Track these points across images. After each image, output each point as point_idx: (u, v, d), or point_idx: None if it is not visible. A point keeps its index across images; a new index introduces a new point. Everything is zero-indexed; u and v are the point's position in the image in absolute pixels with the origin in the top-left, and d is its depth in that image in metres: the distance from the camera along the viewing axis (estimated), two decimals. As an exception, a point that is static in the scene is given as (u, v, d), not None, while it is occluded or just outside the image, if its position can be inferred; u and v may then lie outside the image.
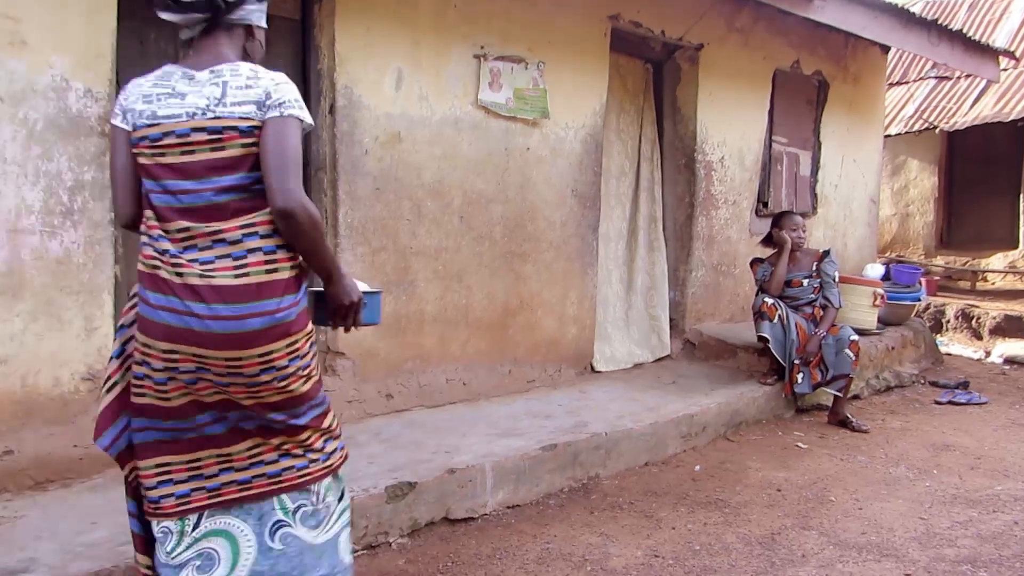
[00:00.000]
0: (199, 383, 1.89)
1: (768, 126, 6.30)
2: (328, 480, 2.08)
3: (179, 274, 1.84)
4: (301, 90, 3.76)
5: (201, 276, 1.83)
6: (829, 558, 2.95)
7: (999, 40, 9.78)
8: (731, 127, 5.93)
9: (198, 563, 1.96)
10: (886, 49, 7.40)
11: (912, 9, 6.63)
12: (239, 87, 1.89)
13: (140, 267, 1.92)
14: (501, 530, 3.16)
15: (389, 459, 3.21)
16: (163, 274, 1.86)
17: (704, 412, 4.31)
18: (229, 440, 1.96)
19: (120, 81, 3.20)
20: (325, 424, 2.06)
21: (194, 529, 1.96)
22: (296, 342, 1.93)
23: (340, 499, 2.12)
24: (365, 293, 2.12)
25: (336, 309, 2.07)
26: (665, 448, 4.06)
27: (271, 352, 1.87)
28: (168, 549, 1.96)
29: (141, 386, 1.92)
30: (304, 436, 2.02)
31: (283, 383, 1.92)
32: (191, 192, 1.88)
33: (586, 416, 4.07)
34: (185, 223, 1.87)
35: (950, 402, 5.37)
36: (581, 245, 4.95)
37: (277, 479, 1.99)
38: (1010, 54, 7.73)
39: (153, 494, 1.94)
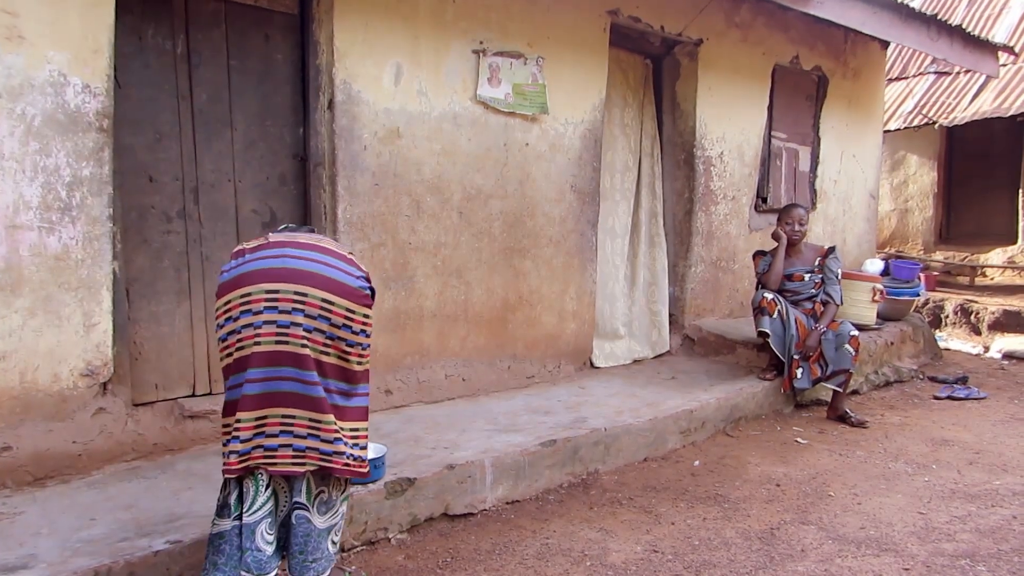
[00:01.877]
0: (291, 327, 2.15)
1: (767, 121, 6.30)
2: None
3: (292, 235, 2.31)
4: (299, 85, 3.81)
5: (310, 237, 2.32)
6: (828, 553, 2.95)
7: (998, 35, 9.77)
8: (730, 122, 5.92)
9: (269, 520, 2.23)
10: (885, 44, 7.39)
11: (911, 4, 6.62)
12: None
13: (243, 247, 2.29)
14: (500, 525, 3.17)
15: (388, 455, 3.20)
16: (274, 238, 2.28)
17: (703, 407, 4.31)
18: (299, 402, 2.17)
19: (118, 77, 3.19)
20: (365, 425, 2.34)
21: (267, 488, 2.23)
22: (368, 319, 2.29)
23: (343, 491, 2.38)
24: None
25: None
26: (664, 443, 4.06)
27: (352, 312, 2.24)
28: (247, 506, 2.21)
29: (240, 339, 2.18)
30: (353, 425, 2.28)
31: (349, 348, 2.24)
32: None
33: (585, 412, 4.07)
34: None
35: (949, 397, 5.37)
36: (580, 240, 4.95)
37: (328, 458, 2.20)
38: (1009, 49, 7.72)
39: (226, 449, 2.20)
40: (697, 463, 3.93)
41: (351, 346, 2.24)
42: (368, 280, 2.32)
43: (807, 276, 4.91)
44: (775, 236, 4.93)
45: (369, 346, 2.32)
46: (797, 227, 4.88)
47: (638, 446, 3.92)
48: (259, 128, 3.71)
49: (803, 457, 4.07)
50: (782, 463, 3.97)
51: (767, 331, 4.70)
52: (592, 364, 5.16)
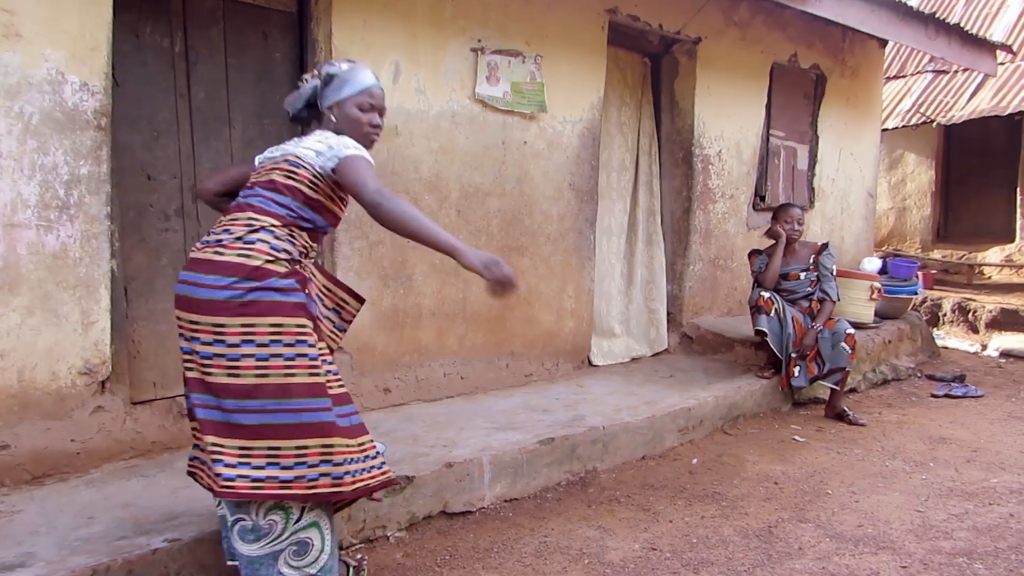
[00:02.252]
0: (192, 355, 2.13)
1: (766, 120, 6.30)
2: (272, 503, 2.11)
3: (199, 252, 2.17)
4: (297, 84, 3.79)
5: (200, 251, 2.16)
6: (826, 551, 2.95)
7: (996, 34, 9.79)
8: (729, 121, 5.93)
9: (221, 521, 2.26)
10: (884, 43, 7.39)
11: (910, 3, 6.62)
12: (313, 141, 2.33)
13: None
14: (499, 523, 3.17)
15: (387, 453, 3.20)
16: (194, 254, 2.18)
17: (701, 406, 4.32)
18: (206, 427, 2.11)
19: (116, 75, 3.19)
20: (305, 443, 2.06)
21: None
22: (254, 327, 2.06)
23: (298, 520, 2.14)
24: None
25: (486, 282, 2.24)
26: (662, 441, 4.07)
27: (222, 326, 2.06)
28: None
29: None
30: (273, 444, 2.06)
31: (233, 363, 2.05)
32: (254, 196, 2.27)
33: (583, 410, 4.07)
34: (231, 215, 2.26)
35: (946, 395, 5.38)
36: (579, 239, 4.95)
37: (213, 479, 2.09)
38: (1007, 48, 7.74)
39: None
40: (695, 461, 3.94)
41: (234, 359, 2.03)
42: (261, 279, 2.06)
43: (803, 274, 4.92)
44: (772, 235, 4.93)
45: (269, 360, 2.06)
46: (797, 226, 4.90)
47: (636, 444, 3.93)
48: (257, 126, 3.71)
49: (801, 455, 4.08)
50: (780, 461, 3.97)
51: (764, 330, 4.70)
52: (590, 362, 5.16)
